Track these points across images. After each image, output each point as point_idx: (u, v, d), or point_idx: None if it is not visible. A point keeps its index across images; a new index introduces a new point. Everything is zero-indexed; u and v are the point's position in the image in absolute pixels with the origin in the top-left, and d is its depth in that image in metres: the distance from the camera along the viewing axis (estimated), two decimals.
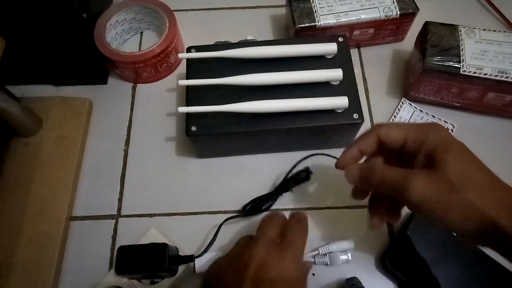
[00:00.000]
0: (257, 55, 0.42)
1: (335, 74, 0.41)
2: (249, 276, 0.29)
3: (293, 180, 0.45)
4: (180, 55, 0.44)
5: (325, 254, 0.41)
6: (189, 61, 0.44)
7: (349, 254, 0.41)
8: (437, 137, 0.29)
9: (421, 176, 0.28)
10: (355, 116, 0.41)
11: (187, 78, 0.43)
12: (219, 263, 0.35)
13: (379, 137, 0.32)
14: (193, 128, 0.41)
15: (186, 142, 0.48)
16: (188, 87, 0.43)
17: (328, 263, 0.41)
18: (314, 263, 0.41)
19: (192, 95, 0.42)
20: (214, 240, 0.39)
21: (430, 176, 0.28)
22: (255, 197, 0.45)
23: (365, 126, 0.49)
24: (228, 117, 0.40)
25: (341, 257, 0.41)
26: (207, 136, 0.41)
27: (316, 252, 0.41)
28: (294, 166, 0.46)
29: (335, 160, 0.36)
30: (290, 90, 0.41)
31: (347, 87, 0.42)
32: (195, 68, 0.44)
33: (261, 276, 0.29)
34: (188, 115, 0.41)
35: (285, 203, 0.45)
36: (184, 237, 0.43)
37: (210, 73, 0.42)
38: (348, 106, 0.40)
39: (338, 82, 0.42)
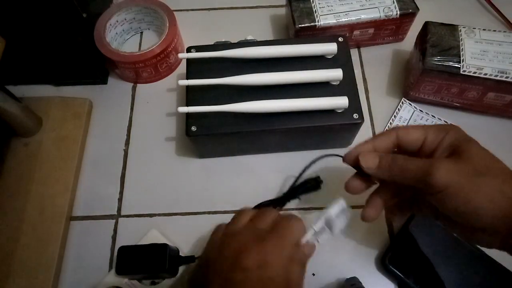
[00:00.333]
0: (257, 55, 0.42)
1: (335, 74, 0.41)
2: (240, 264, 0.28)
3: (302, 188, 0.44)
4: (180, 55, 0.44)
5: (323, 227, 0.36)
6: (189, 61, 0.44)
7: (347, 214, 0.36)
8: (458, 132, 0.30)
9: (446, 162, 0.28)
10: (355, 116, 0.41)
11: (187, 78, 0.43)
12: (203, 258, 0.33)
13: (398, 137, 0.32)
14: (193, 128, 0.41)
15: (186, 142, 0.48)
16: (188, 87, 0.43)
17: (330, 232, 0.36)
18: (317, 241, 0.36)
19: (192, 95, 0.42)
20: None
21: (455, 161, 0.28)
22: (255, 197, 0.44)
23: (365, 126, 0.49)
24: (228, 117, 0.40)
25: (339, 219, 0.35)
26: (207, 136, 0.41)
27: (312, 231, 0.36)
28: (302, 172, 0.43)
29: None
30: (290, 90, 0.41)
31: (347, 87, 0.42)
32: (195, 68, 0.44)
33: (247, 263, 0.28)
34: (188, 115, 0.41)
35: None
36: (184, 237, 0.43)
37: (210, 73, 0.42)
38: (348, 106, 0.40)
39: (338, 82, 0.42)
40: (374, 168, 0.32)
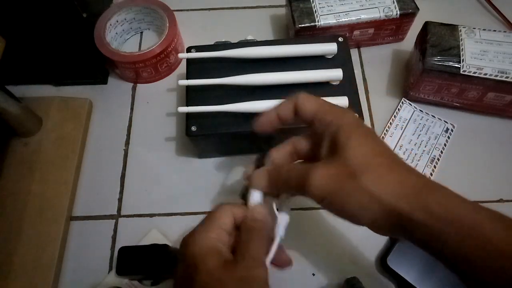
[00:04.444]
0: (257, 55, 0.42)
1: (335, 74, 0.41)
2: None
3: None
4: (180, 55, 0.44)
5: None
6: (189, 61, 0.44)
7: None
8: (341, 121, 0.28)
9: (320, 168, 0.26)
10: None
11: (187, 78, 0.43)
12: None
13: (295, 103, 0.30)
14: (193, 128, 0.41)
15: (186, 142, 0.48)
16: (188, 87, 0.43)
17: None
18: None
19: (192, 95, 0.42)
20: None
21: (329, 165, 0.26)
22: None
23: None
24: (228, 117, 0.40)
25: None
26: (207, 136, 0.41)
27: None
28: None
29: None
30: (290, 90, 0.41)
31: (347, 87, 0.42)
32: (195, 68, 0.44)
33: None
34: (188, 115, 0.41)
35: None
36: None
37: (210, 73, 0.42)
38: (348, 106, 0.40)
39: (338, 82, 0.42)
40: (266, 187, 0.30)
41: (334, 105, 0.30)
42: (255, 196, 0.31)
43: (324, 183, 0.26)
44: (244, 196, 0.32)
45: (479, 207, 0.24)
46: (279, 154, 0.31)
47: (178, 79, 0.42)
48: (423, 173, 0.46)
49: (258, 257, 0.27)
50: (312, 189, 0.26)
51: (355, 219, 0.26)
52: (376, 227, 0.26)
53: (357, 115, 0.29)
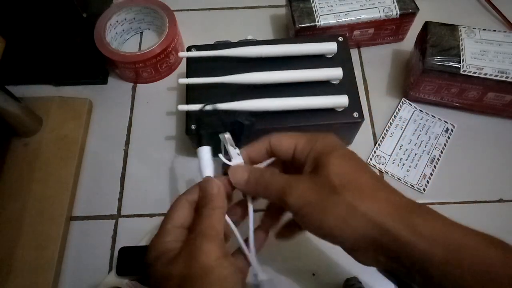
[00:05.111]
0: (257, 54, 0.42)
1: (335, 72, 0.41)
2: None
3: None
4: (181, 54, 0.44)
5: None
6: (189, 60, 0.44)
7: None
8: (324, 143, 0.28)
9: (303, 180, 0.26)
10: (355, 115, 0.41)
11: (187, 77, 0.43)
12: None
13: (271, 145, 0.30)
14: (193, 127, 0.41)
15: (186, 141, 0.48)
16: (188, 86, 0.43)
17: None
18: None
19: (192, 94, 0.42)
20: None
21: (311, 179, 0.26)
22: None
23: (365, 126, 0.50)
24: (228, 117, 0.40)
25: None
26: (207, 135, 0.41)
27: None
28: None
29: None
30: (290, 89, 0.41)
31: (347, 86, 0.42)
32: (195, 67, 0.44)
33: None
34: (188, 114, 0.41)
35: None
36: None
37: (210, 72, 0.42)
38: (348, 105, 0.40)
39: (338, 81, 0.42)
40: (242, 184, 0.30)
41: (313, 133, 0.29)
42: (207, 172, 0.31)
43: (305, 194, 0.26)
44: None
45: (466, 228, 0.23)
46: (254, 151, 0.31)
47: (178, 79, 0.42)
48: (423, 173, 0.46)
49: (204, 232, 0.26)
50: (291, 198, 0.26)
51: (332, 236, 0.25)
52: (354, 247, 0.25)
53: (338, 138, 0.29)
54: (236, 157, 0.31)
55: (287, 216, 0.32)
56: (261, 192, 0.29)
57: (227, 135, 0.32)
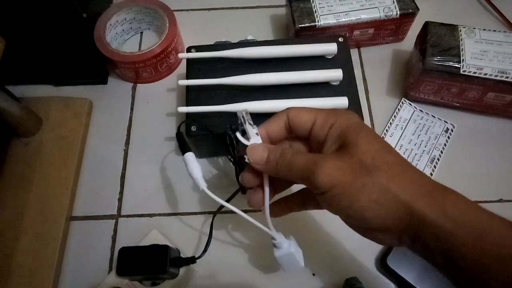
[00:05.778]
0: (257, 55, 0.42)
1: (335, 74, 0.41)
2: None
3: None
4: (180, 55, 0.44)
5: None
6: (189, 61, 0.44)
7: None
8: (348, 120, 0.27)
9: (331, 159, 0.25)
10: None
11: (187, 78, 0.43)
12: None
13: (288, 118, 0.29)
14: (193, 128, 0.41)
15: None
16: (188, 87, 0.43)
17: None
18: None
19: (192, 95, 0.42)
20: (210, 239, 0.39)
21: (340, 158, 0.25)
22: None
23: None
24: (228, 117, 0.40)
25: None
26: (207, 136, 0.41)
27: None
28: None
29: None
30: (290, 90, 0.41)
31: (347, 87, 0.42)
32: (195, 68, 0.44)
33: None
34: (188, 115, 0.41)
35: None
36: (184, 237, 0.43)
37: (210, 73, 0.42)
38: (348, 106, 0.40)
39: (338, 82, 0.42)
40: (262, 164, 0.28)
41: (331, 109, 0.29)
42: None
43: (335, 173, 0.25)
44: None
45: (493, 213, 0.23)
46: (272, 127, 0.29)
47: (178, 79, 0.42)
48: None
49: None
50: (320, 177, 0.25)
51: (362, 217, 0.25)
52: (382, 228, 0.25)
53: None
54: (254, 137, 0.29)
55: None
56: (283, 172, 0.27)
57: (245, 113, 0.30)
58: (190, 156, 0.36)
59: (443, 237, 0.23)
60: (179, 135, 0.39)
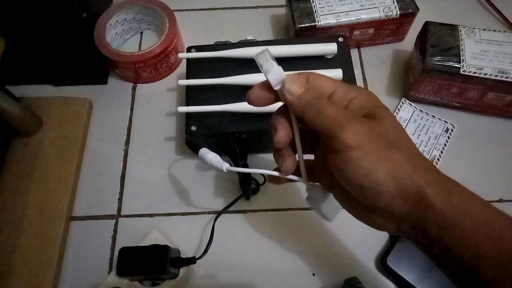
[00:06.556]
0: None
1: (335, 74, 0.41)
2: None
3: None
4: (180, 55, 0.44)
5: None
6: (189, 61, 0.44)
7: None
8: (371, 96, 0.27)
9: (361, 121, 0.25)
10: None
11: (187, 78, 0.43)
12: None
13: (309, 81, 0.27)
14: (193, 128, 0.41)
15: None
16: (188, 87, 0.43)
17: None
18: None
19: (192, 95, 0.42)
20: (211, 240, 0.39)
21: (370, 125, 0.25)
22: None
23: None
24: (228, 117, 0.40)
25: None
26: (207, 136, 0.41)
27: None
28: None
29: None
30: None
31: None
32: (195, 68, 0.44)
33: None
34: (188, 115, 0.41)
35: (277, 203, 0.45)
36: (185, 237, 0.43)
37: (210, 73, 0.42)
38: None
39: None
40: (294, 96, 0.27)
41: (350, 84, 0.28)
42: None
43: (362, 135, 0.24)
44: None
45: (497, 209, 0.24)
46: (295, 81, 0.27)
47: (178, 79, 0.42)
48: None
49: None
50: (347, 133, 0.24)
51: (375, 189, 0.24)
52: (387, 207, 0.24)
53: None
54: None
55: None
56: (309, 114, 0.26)
57: (266, 52, 0.28)
58: (204, 150, 0.37)
59: (445, 225, 0.23)
60: (189, 142, 0.40)
